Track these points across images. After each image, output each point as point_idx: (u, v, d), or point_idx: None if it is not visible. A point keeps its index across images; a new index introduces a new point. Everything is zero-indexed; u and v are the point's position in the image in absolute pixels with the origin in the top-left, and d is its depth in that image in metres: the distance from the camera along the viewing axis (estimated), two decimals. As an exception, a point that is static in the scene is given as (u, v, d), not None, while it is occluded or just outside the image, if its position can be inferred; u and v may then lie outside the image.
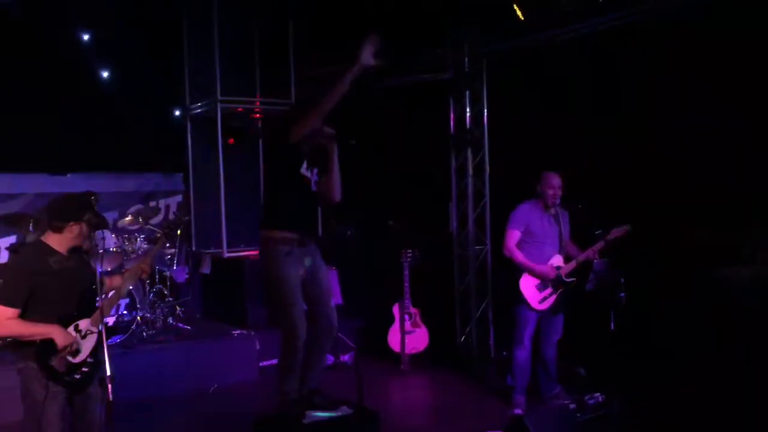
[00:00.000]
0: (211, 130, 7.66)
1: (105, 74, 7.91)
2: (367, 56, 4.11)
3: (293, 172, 4.36)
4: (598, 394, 5.26)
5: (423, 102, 7.60)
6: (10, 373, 3.82)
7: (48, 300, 3.54)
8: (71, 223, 3.59)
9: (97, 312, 3.68)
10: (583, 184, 5.76)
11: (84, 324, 3.64)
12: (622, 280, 5.32)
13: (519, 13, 6.33)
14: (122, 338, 6.39)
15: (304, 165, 4.37)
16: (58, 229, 3.62)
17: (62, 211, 3.64)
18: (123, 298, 6.23)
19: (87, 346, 3.64)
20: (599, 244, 5.38)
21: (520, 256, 5.38)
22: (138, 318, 6.58)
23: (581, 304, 5.54)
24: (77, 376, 3.61)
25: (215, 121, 7.54)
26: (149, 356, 6.37)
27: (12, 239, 7.10)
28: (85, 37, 7.81)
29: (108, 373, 3.47)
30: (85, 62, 7.80)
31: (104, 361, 3.49)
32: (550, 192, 5.42)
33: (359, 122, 7.38)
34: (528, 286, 5.40)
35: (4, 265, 6.30)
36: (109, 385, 3.47)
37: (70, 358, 3.56)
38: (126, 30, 7.97)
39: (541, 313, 5.47)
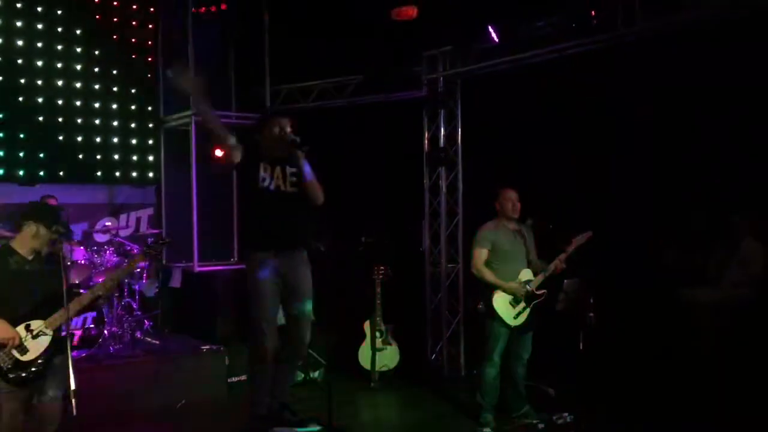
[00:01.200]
0: (184, 144, 7.62)
1: (78, 84, 7.80)
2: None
3: (251, 187, 4.36)
4: (566, 413, 5.31)
5: (397, 119, 7.65)
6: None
7: (2, 297, 3.73)
8: (27, 222, 3.82)
9: (54, 315, 3.80)
10: (553, 203, 5.82)
11: (36, 324, 3.76)
12: (591, 300, 5.37)
13: (493, 35, 6.42)
14: (89, 352, 6.28)
15: (261, 174, 4.33)
16: (18, 228, 3.87)
17: (21, 212, 3.91)
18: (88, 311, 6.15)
19: (37, 346, 3.75)
20: (564, 255, 5.43)
21: (489, 275, 5.41)
22: (105, 332, 6.48)
23: (550, 323, 5.58)
24: (24, 374, 3.72)
25: (189, 134, 7.51)
26: (116, 371, 6.26)
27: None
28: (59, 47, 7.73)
29: (73, 387, 3.44)
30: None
31: (69, 374, 3.46)
32: (509, 205, 5.48)
33: (333, 137, 7.45)
34: (501, 302, 5.42)
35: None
36: (73, 400, 3.43)
37: (16, 355, 3.68)
38: (101, 40, 7.95)
39: (513, 330, 5.48)
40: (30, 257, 3.86)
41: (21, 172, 7.41)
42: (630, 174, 6.01)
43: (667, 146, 5.75)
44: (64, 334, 3.79)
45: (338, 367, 7.13)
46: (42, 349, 3.77)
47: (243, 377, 6.53)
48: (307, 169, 4.32)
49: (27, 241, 3.84)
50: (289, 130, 4.39)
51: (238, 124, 7.88)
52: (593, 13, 5.85)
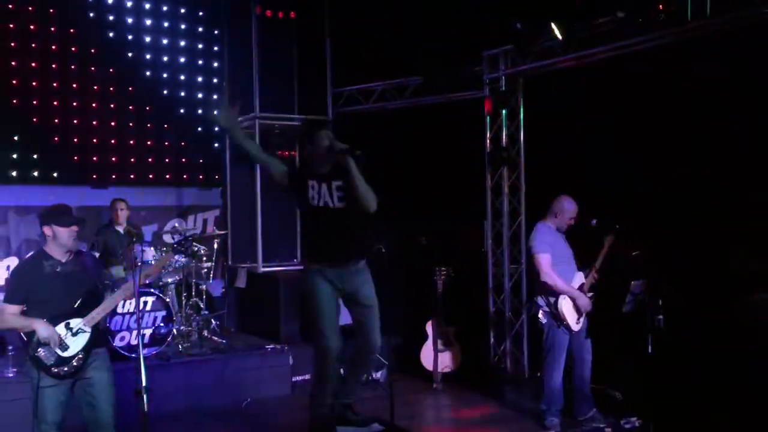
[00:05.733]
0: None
1: (147, 91, 8.07)
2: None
3: (302, 205, 4.36)
4: (634, 418, 5.19)
5: (457, 120, 7.61)
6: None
7: (41, 299, 3.99)
8: (44, 227, 4.05)
9: (92, 313, 4.05)
10: (619, 204, 5.69)
11: (75, 322, 4.00)
12: (660, 302, 5.23)
13: (557, 31, 6.31)
14: (158, 350, 6.46)
15: (311, 191, 4.30)
16: (44, 235, 4.08)
17: (39, 220, 4.10)
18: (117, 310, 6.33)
19: (77, 342, 4.00)
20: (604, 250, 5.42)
21: (560, 281, 5.35)
22: (174, 331, 6.66)
23: (618, 326, 5.46)
24: (66, 369, 3.97)
25: (253, 137, 7.65)
26: (184, 369, 6.43)
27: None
28: (129, 54, 7.99)
29: (143, 384, 3.55)
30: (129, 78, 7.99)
31: (141, 372, 3.57)
32: (570, 221, 5.48)
33: (394, 138, 7.46)
34: (567, 307, 5.36)
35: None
36: (144, 396, 3.54)
37: (58, 351, 3.93)
38: (169, 46, 8.19)
39: (574, 334, 5.42)
40: (63, 259, 4.08)
41: (94, 176, 7.69)
42: (698, 175, 5.80)
43: (740, 148, 5.53)
44: (136, 333, 3.95)
45: (400, 368, 7.13)
46: (81, 345, 4.01)
47: (307, 376, 6.61)
48: (356, 178, 4.24)
49: (52, 244, 4.06)
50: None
51: (299, 125, 8.00)
52: (660, 7, 5.69)
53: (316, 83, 8.10)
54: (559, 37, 6.34)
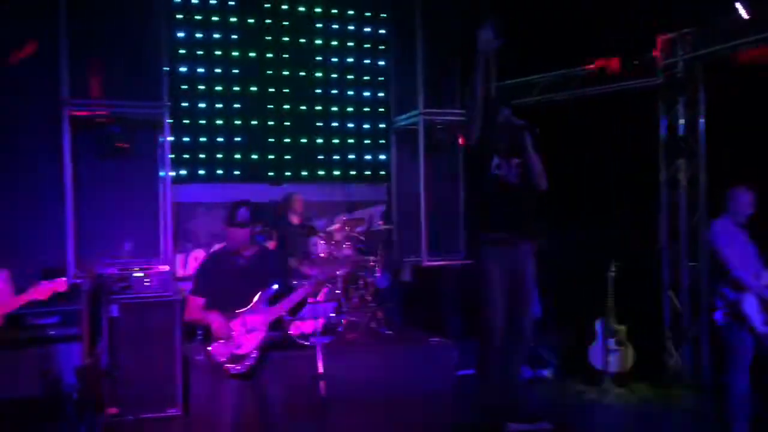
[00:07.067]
0: (413, 142, 7.89)
1: (318, 90, 8.42)
2: (484, 42, 4.17)
3: (484, 173, 4.35)
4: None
5: (626, 110, 7.25)
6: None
7: (221, 294, 4.03)
8: (225, 227, 4.12)
9: (269, 310, 4.03)
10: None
11: (251, 319, 3.98)
12: None
13: (742, 11, 5.83)
14: (329, 340, 6.73)
15: (495, 162, 4.32)
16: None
17: (227, 216, 4.16)
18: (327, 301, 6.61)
19: (251, 340, 3.97)
20: None
21: (747, 278, 4.97)
22: (342, 321, 6.92)
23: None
24: (238, 367, 3.94)
25: (417, 133, 7.76)
26: (352, 359, 6.63)
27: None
28: (302, 56, 8.38)
29: (320, 370, 3.72)
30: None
31: (317, 359, 3.75)
32: (748, 213, 5.10)
33: (558, 131, 7.26)
34: (752, 307, 4.97)
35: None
36: (321, 382, 3.72)
37: (233, 349, 3.93)
38: (338, 48, 8.50)
39: (761, 337, 5.01)
40: (246, 254, 4.14)
41: (270, 173, 8.17)
42: None
43: None
44: (312, 322, 4.02)
45: (568, 366, 6.94)
46: (256, 343, 4.00)
47: (472, 371, 6.61)
48: (533, 155, 4.24)
49: (231, 243, 4.14)
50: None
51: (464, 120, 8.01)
52: None
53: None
54: (746, 16, 5.85)
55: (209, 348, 3.94)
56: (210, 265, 4.24)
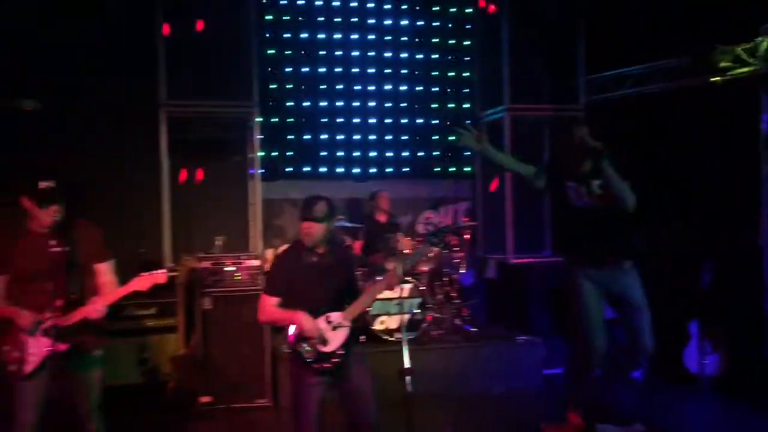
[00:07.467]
0: (499, 138, 7.81)
1: (403, 87, 8.45)
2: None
3: (561, 205, 4.25)
4: None
5: (720, 102, 6.92)
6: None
7: (298, 291, 3.96)
8: (300, 222, 4.01)
9: (352, 307, 3.97)
10: None
11: (335, 316, 3.95)
12: None
13: None
14: (413, 336, 6.75)
15: (571, 185, 4.18)
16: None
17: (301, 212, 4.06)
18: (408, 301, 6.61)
19: (337, 337, 3.93)
20: None
21: None
22: (427, 317, 6.93)
23: None
24: (326, 365, 3.90)
25: (503, 128, 7.68)
26: (437, 355, 6.64)
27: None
28: (388, 54, 8.43)
29: (407, 365, 3.73)
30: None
31: (404, 354, 3.75)
32: None
33: (651, 126, 7.01)
34: None
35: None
36: (407, 378, 3.73)
37: (319, 347, 3.89)
38: (423, 45, 8.50)
39: None
40: (319, 251, 4.03)
41: (356, 170, 8.27)
42: None
43: None
44: (396, 318, 4.00)
45: (661, 368, 6.70)
46: (341, 340, 3.93)
47: (559, 370, 6.49)
48: (612, 177, 4.06)
49: (304, 238, 4.03)
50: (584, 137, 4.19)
51: (551, 115, 7.87)
52: None
53: (567, 71, 7.88)
54: None
55: (299, 348, 3.90)
56: (285, 262, 4.11)
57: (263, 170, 7.17)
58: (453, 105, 8.64)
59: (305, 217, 3.96)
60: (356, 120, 8.29)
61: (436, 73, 8.56)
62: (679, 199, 7.14)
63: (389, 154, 8.40)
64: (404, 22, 8.45)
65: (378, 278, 4.19)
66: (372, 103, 8.33)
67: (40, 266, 3.72)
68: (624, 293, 4.16)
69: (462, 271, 7.60)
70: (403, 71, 8.45)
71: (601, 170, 4.07)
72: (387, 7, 8.38)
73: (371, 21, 8.36)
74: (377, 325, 6.64)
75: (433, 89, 8.56)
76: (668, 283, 7.15)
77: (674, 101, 7.23)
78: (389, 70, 8.40)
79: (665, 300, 7.00)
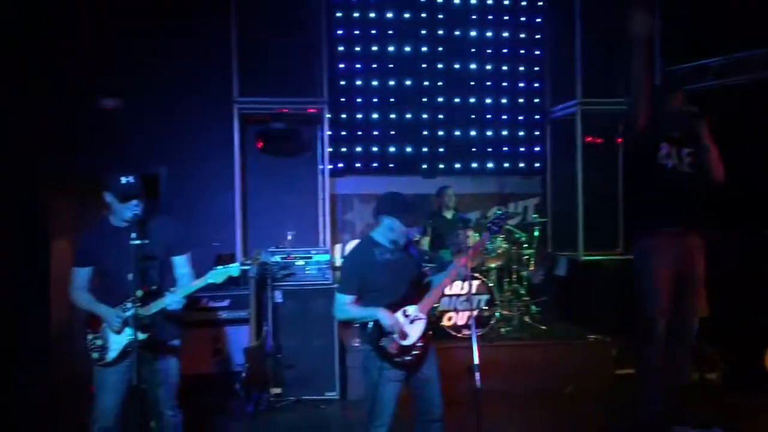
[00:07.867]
0: (570, 133, 7.68)
1: (472, 83, 8.40)
2: (638, 23, 3.89)
3: (650, 162, 4.15)
4: None
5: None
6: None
7: (375, 287, 3.99)
8: (382, 216, 4.01)
9: (425, 300, 4.02)
10: None
11: (411, 310, 3.99)
12: None
13: None
14: (481, 332, 6.72)
15: (663, 150, 4.10)
16: (377, 221, 4.07)
17: (376, 207, 4.10)
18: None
19: (416, 330, 3.98)
20: None
21: None
22: (496, 314, 6.88)
23: None
24: (408, 358, 3.95)
25: (575, 123, 7.55)
26: (506, 351, 6.59)
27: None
28: (456, 49, 8.39)
29: (476, 361, 3.73)
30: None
31: (473, 350, 3.75)
32: None
33: (733, 118, 6.75)
34: None
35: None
36: (477, 374, 3.72)
37: (399, 341, 3.93)
38: (493, 39, 8.43)
39: None
40: (391, 247, 4.06)
41: (424, 166, 8.26)
42: None
43: None
44: (464, 314, 4.01)
45: (740, 370, 6.46)
46: (420, 333, 3.99)
47: (630, 370, 6.34)
48: (708, 144, 3.97)
49: (381, 233, 4.06)
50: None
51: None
52: None
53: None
54: None
55: (382, 343, 3.93)
56: (359, 259, 4.12)
57: (333, 166, 7.26)
58: (522, 100, 8.53)
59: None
60: (424, 116, 8.29)
61: (506, 67, 8.47)
62: (761, 194, 6.86)
63: (457, 150, 8.35)
64: (474, 17, 8.40)
65: (445, 273, 4.21)
66: (440, 99, 8.30)
67: (121, 259, 3.87)
68: (692, 272, 4.02)
69: (531, 268, 7.52)
70: (472, 66, 8.39)
71: (696, 135, 4.01)
72: (456, 1, 8.34)
73: (441, 16, 8.35)
74: (445, 321, 6.63)
75: (502, 84, 8.45)
76: (747, 280, 6.89)
77: (757, 93, 6.95)
78: (457, 66, 8.36)
79: (744, 298, 6.77)
